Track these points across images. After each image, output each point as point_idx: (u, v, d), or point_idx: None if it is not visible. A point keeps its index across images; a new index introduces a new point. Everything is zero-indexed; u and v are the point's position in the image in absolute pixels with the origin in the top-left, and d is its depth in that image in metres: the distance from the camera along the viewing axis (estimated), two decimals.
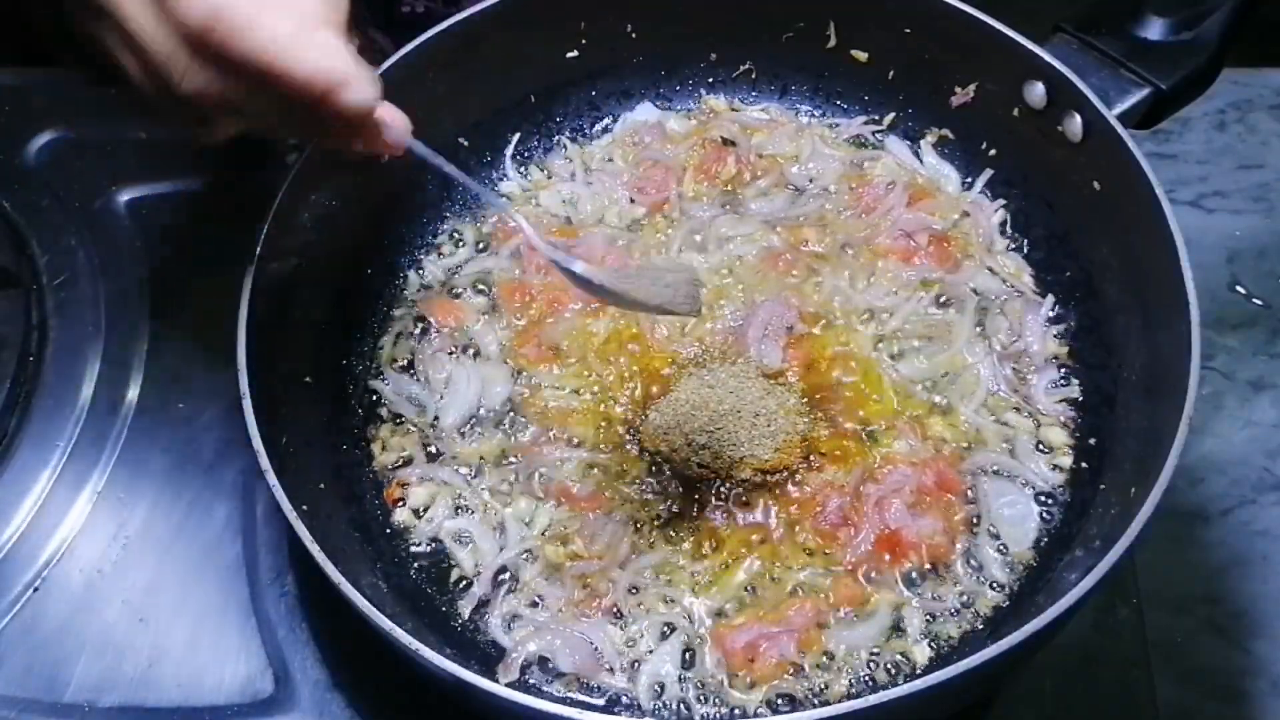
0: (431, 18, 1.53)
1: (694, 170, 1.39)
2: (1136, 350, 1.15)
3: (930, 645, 1.07)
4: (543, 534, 1.15)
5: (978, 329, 1.26)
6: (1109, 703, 1.10)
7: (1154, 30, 1.19)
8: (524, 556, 1.14)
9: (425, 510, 1.18)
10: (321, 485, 1.14)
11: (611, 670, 1.06)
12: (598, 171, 1.41)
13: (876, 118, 1.42)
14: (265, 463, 1.00)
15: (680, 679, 1.06)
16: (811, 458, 1.16)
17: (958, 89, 1.34)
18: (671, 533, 1.13)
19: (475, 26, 1.28)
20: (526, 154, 1.43)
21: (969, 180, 1.37)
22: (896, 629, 1.08)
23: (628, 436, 1.19)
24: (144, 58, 0.91)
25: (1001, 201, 1.34)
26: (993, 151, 1.35)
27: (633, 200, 1.38)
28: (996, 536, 1.13)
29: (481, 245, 1.36)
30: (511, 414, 1.23)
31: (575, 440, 1.20)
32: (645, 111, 1.46)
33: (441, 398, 1.24)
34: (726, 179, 1.39)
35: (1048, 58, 1.20)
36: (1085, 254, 1.25)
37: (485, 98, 1.37)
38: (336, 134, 0.96)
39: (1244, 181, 1.51)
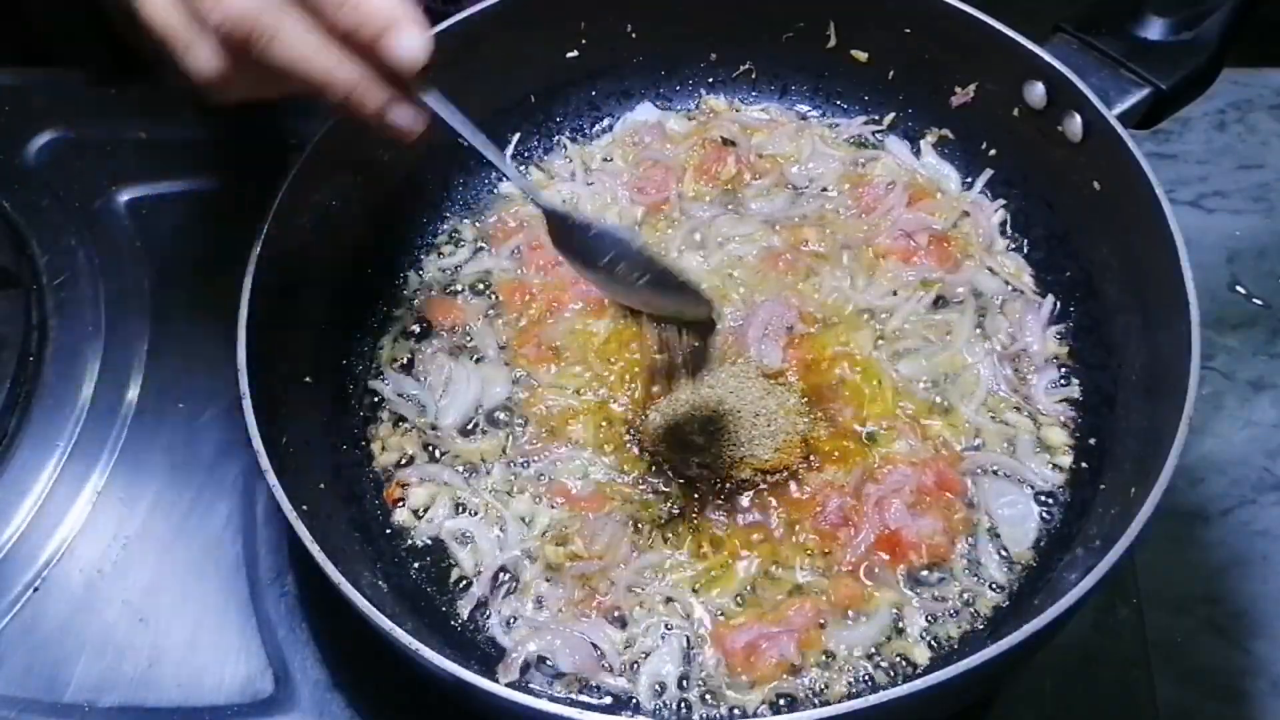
0: (431, 17, 1.53)
1: (694, 170, 1.39)
2: (1136, 350, 1.15)
3: (930, 645, 1.07)
4: (543, 534, 1.15)
5: (978, 329, 1.26)
6: (1109, 703, 1.10)
7: (1154, 30, 1.19)
8: (524, 556, 1.14)
9: (425, 510, 1.18)
10: (321, 485, 1.14)
11: (611, 670, 1.06)
12: (598, 171, 1.41)
13: (876, 118, 1.42)
14: (265, 463, 1.00)
15: (680, 679, 1.06)
16: (811, 458, 1.16)
17: (958, 89, 1.34)
18: (671, 533, 1.13)
19: (475, 26, 1.28)
20: (526, 154, 1.43)
21: (969, 180, 1.37)
22: (896, 629, 1.08)
23: (628, 436, 1.19)
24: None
25: (1001, 201, 1.34)
26: (993, 151, 1.35)
27: (633, 200, 1.38)
28: (996, 536, 1.13)
29: (481, 245, 1.36)
30: (511, 414, 1.23)
31: (575, 440, 1.20)
32: (645, 111, 1.46)
33: (441, 398, 1.24)
34: (726, 179, 1.39)
35: (1048, 58, 1.19)
36: (1085, 254, 1.25)
37: (485, 98, 1.37)
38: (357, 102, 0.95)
39: (1244, 181, 1.51)
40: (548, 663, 1.07)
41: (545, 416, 1.22)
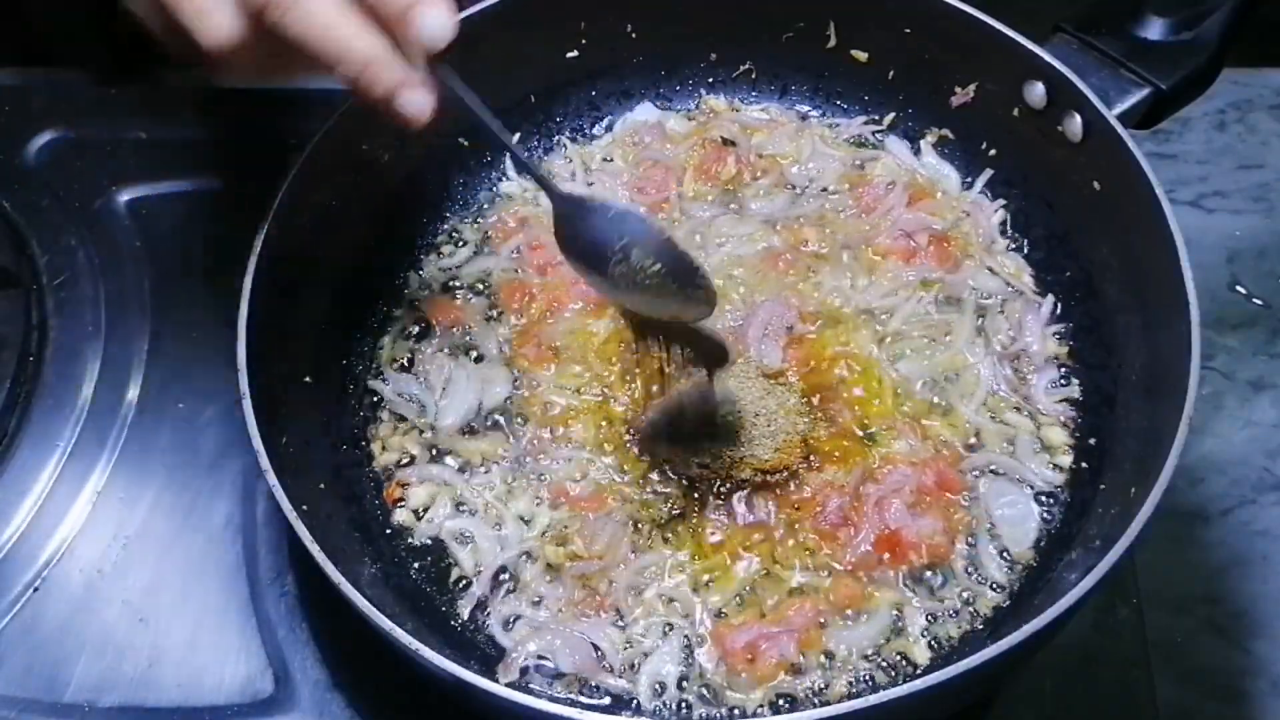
0: None
1: (694, 170, 1.39)
2: (1136, 350, 1.15)
3: (930, 645, 1.07)
4: (543, 534, 1.15)
5: (978, 329, 1.26)
6: (1109, 703, 1.10)
7: (1154, 30, 1.19)
8: (524, 556, 1.14)
9: (425, 510, 1.18)
10: (321, 485, 1.14)
11: (611, 670, 1.06)
12: (598, 171, 1.41)
13: (876, 118, 1.42)
14: (265, 463, 1.00)
15: (680, 679, 1.06)
16: (811, 458, 1.16)
17: (958, 89, 1.34)
18: (671, 533, 1.13)
19: (475, 26, 1.27)
20: (526, 154, 1.43)
21: (969, 180, 1.37)
22: (896, 629, 1.08)
23: (628, 436, 1.19)
24: None
25: (1001, 201, 1.34)
26: (993, 151, 1.35)
27: (633, 200, 1.37)
28: (996, 536, 1.13)
29: (481, 245, 1.36)
30: (511, 414, 1.23)
31: (575, 440, 1.20)
32: (645, 111, 1.45)
33: (441, 398, 1.24)
34: (726, 179, 1.39)
35: (1048, 58, 1.20)
36: (1085, 254, 1.25)
37: (485, 98, 1.36)
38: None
39: (1244, 181, 1.51)
40: (548, 663, 1.07)
41: (545, 416, 1.22)
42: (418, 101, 0.94)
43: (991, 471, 1.16)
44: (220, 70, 0.95)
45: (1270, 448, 1.30)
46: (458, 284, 1.33)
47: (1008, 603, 1.09)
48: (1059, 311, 1.26)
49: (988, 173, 1.36)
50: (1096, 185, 1.20)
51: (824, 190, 1.38)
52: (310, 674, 1.13)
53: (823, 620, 1.08)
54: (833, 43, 1.39)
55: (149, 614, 1.17)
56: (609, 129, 1.45)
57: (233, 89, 1.60)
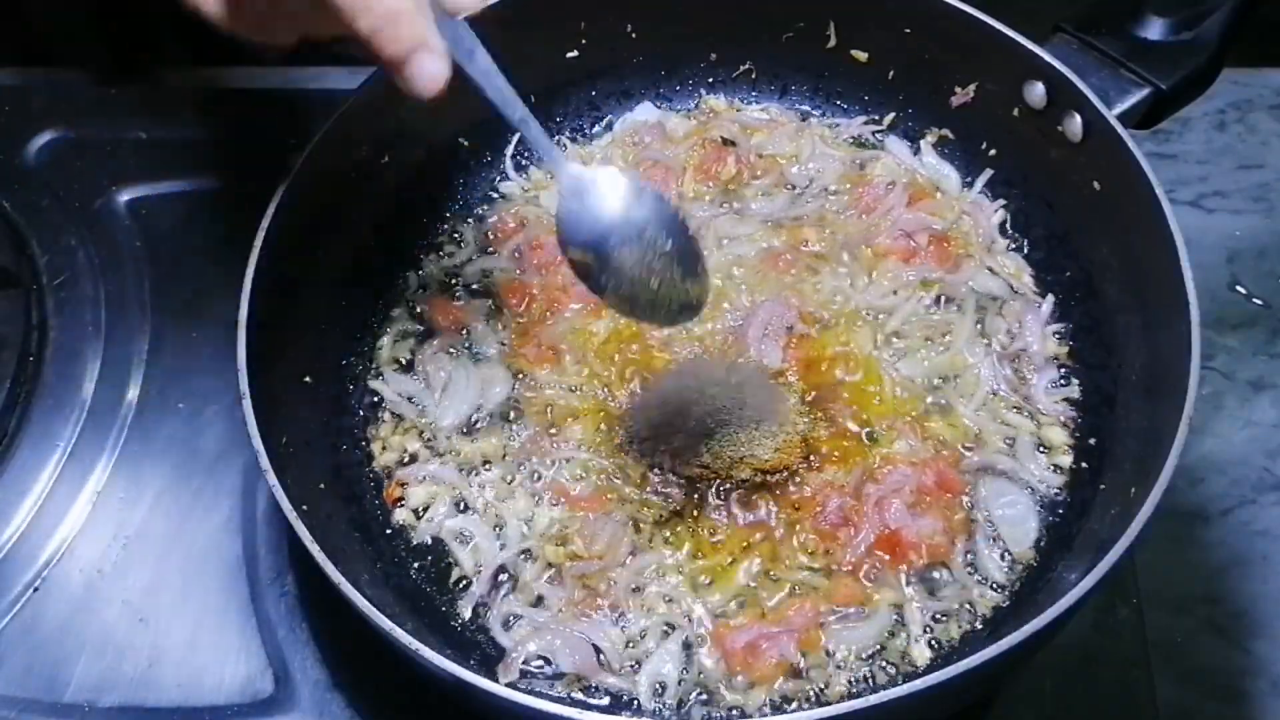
0: None
1: (694, 170, 1.39)
2: (1136, 350, 1.15)
3: (930, 645, 1.07)
4: (543, 534, 1.15)
5: (978, 329, 1.26)
6: (1109, 703, 1.10)
7: (1154, 30, 1.19)
8: (524, 556, 1.14)
9: (425, 510, 1.18)
10: (321, 485, 1.14)
11: (611, 670, 1.06)
12: None
13: (876, 118, 1.42)
14: (265, 463, 1.00)
15: (680, 679, 1.06)
16: (811, 458, 1.16)
17: (958, 89, 1.34)
18: (671, 533, 1.13)
19: (475, 27, 1.28)
20: (526, 154, 1.43)
21: (969, 180, 1.37)
22: (896, 629, 1.08)
23: (628, 436, 1.19)
24: None
25: (1001, 201, 1.34)
26: (993, 151, 1.35)
27: None
28: (996, 536, 1.13)
29: (481, 245, 1.36)
30: (511, 414, 1.23)
31: (575, 440, 1.20)
32: (645, 111, 1.45)
33: (441, 398, 1.24)
34: (726, 179, 1.39)
35: (1048, 58, 1.20)
36: (1085, 254, 1.25)
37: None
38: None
39: (1244, 181, 1.51)
40: (548, 663, 1.07)
41: (545, 416, 1.22)
42: (432, 69, 0.90)
43: (991, 471, 1.16)
44: (224, 22, 0.91)
45: (1270, 448, 1.30)
46: (458, 284, 1.33)
47: (1008, 603, 1.09)
48: (1059, 311, 1.26)
49: (988, 173, 1.36)
50: (1096, 185, 1.20)
51: (824, 190, 1.38)
52: (310, 674, 1.13)
53: (823, 620, 1.08)
54: (833, 43, 1.39)
55: (149, 614, 1.17)
56: (609, 129, 1.45)
57: (232, 89, 1.60)
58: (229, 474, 1.25)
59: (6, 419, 1.27)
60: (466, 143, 1.39)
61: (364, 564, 1.11)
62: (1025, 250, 1.32)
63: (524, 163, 1.43)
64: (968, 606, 1.09)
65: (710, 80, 1.46)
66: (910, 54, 1.35)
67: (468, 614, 1.11)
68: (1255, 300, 1.41)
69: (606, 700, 1.06)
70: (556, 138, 1.44)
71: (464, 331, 1.29)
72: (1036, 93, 1.22)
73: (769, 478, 1.14)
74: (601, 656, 1.07)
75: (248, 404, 1.03)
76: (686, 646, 1.08)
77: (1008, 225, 1.33)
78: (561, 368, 1.25)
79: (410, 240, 1.36)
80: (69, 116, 1.53)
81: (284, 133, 1.37)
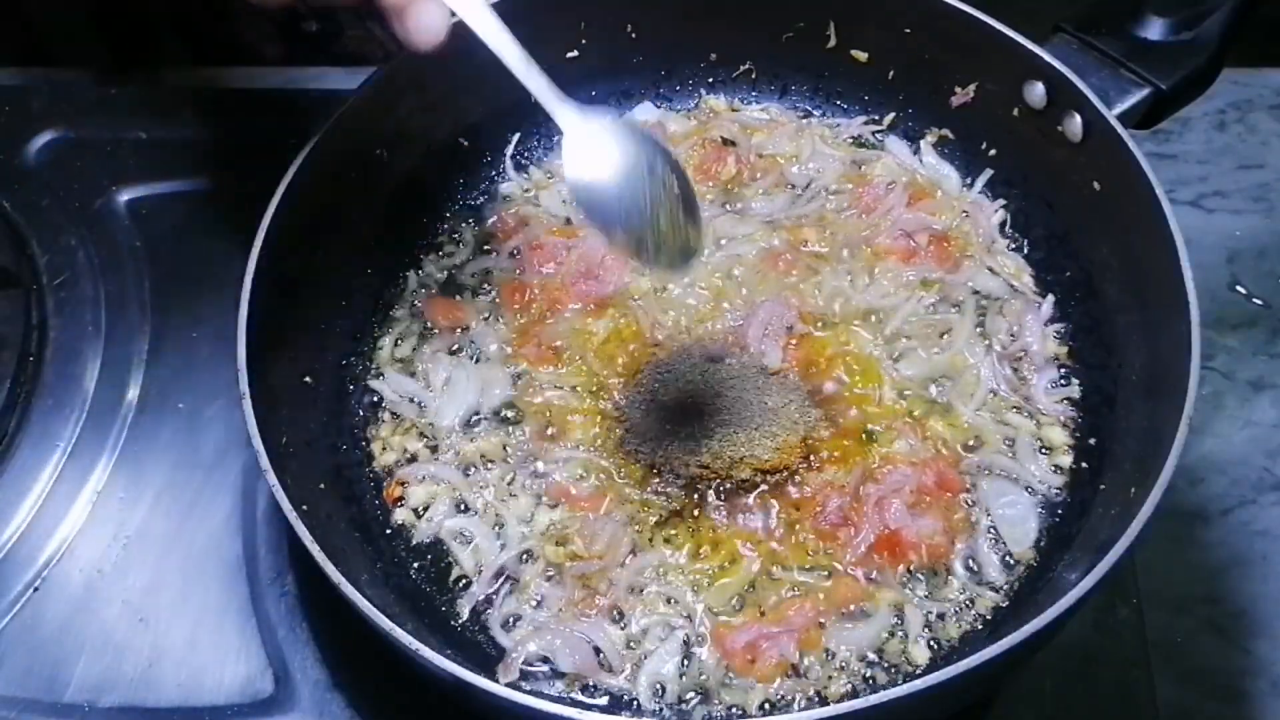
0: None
1: (694, 170, 1.39)
2: (1136, 350, 1.15)
3: (930, 645, 1.07)
4: (543, 534, 1.15)
5: (978, 329, 1.26)
6: (1109, 703, 1.10)
7: (1154, 30, 1.19)
8: (524, 556, 1.13)
9: (425, 510, 1.18)
10: (321, 485, 1.14)
11: (611, 670, 1.06)
12: None
13: (876, 118, 1.42)
14: (265, 463, 1.00)
15: (680, 679, 1.06)
16: (811, 458, 1.16)
17: (958, 89, 1.34)
18: (671, 533, 1.13)
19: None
20: (526, 154, 1.43)
21: (969, 180, 1.37)
22: (896, 629, 1.08)
23: (628, 436, 1.19)
24: None
25: (1001, 201, 1.34)
26: (993, 151, 1.35)
27: None
28: (996, 537, 1.13)
29: (481, 245, 1.36)
30: (511, 414, 1.23)
31: (575, 440, 1.19)
32: (645, 111, 1.45)
33: (441, 398, 1.24)
34: (726, 179, 1.39)
35: (1048, 58, 1.20)
36: (1085, 254, 1.25)
37: (485, 98, 1.37)
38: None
39: (1244, 181, 1.51)
40: (548, 663, 1.07)
41: (545, 416, 1.22)
42: (430, 20, 0.89)
43: (991, 472, 1.16)
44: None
45: (1270, 448, 1.30)
46: (458, 284, 1.33)
47: (1008, 603, 1.09)
48: (1059, 312, 1.26)
49: (988, 173, 1.36)
50: (1096, 185, 1.20)
51: (824, 190, 1.38)
52: (310, 674, 1.13)
53: (823, 620, 1.08)
54: (833, 43, 1.39)
55: (149, 614, 1.17)
56: None
57: (232, 89, 1.60)
58: (229, 474, 1.25)
59: (6, 419, 1.27)
60: (466, 143, 1.39)
61: (364, 564, 1.11)
62: (1025, 250, 1.32)
63: (524, 163, 1.43)
64: (967, 606, 1.09)
65: (710, 80, 1.46)
66: (910, 54, 1.35)
67: (467, 614, 1.11)
68: (1255, 300, 1.41)
69: (606, 700, 1.06)
70: (557, 137, 1.44)
71: (464, 331, 1.29)
72: (1036, 93, 1.22)
73: (769, 478, 1.14)
74: (601, 656, 1.07)
75: (248, 404, 1.03)
76: (686, 646, 1.08)
77: (1008, 225, 1.33)
78: (561, 368, 1.25)
79: (410, 240, 1.36)
80: (69, 116, 1.53)
81: (284, 133, 1.37)
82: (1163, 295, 1.07)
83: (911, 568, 1.11)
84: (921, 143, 1.40)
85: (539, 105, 1.41)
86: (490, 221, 1.38)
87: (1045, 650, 1.02)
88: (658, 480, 1.16)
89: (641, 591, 1.10)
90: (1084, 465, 1.16)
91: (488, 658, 1.08)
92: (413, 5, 0.89)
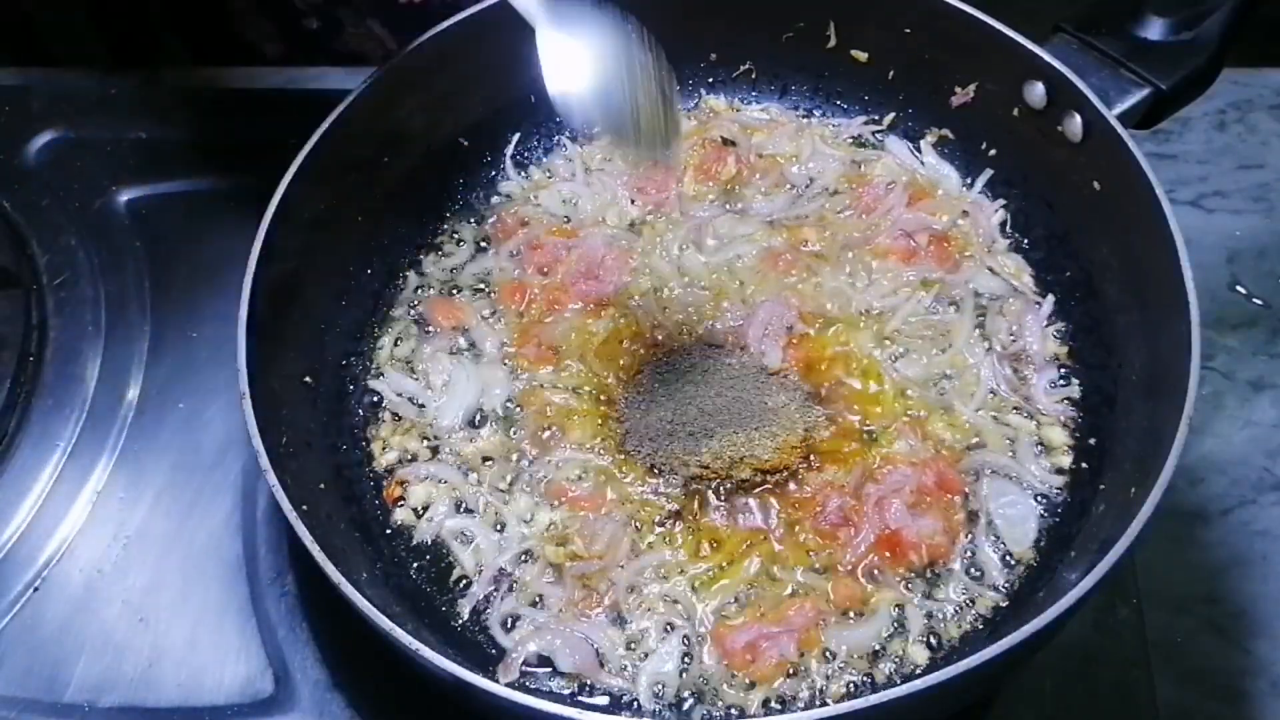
0: (430, 8, 1.53)
1: (694, 170, 1.39)
2: (1136, 350, 1.15)
3: (930, 645, 1.07)
4: (543, 534, 1.15)
5: (978, 329, 1.26)
6: (1109, 703, 1.10)
7: (1154, 30, 1.19)
8: (524, 556, 1.13)
9: (425, 510, 1.18)
10: (321, 485, 1.14)
11: (611, 670, 1.06)
12: (598, 171, 1.41)
13: (876, 118, 1.42)
14: (265, 463, 1.00)
15: (680, 679, 1.06)
16: (811, 458, 1.16)
17: (958, 89, 1.34)
18: (671, 533, 1.13)
19: (475, 26, 1.28)
20: (526, 154, 1.43)
21: (969, 180, 1.37)
22: (896, 629, 1.08)
23: (628, 436, 1.19)
24: None
25: (1001, 201, 1.34)
26: (993, 151, 1.35)
27: (633, 200, 1.38)
28: (996, 537, 1.13)
29: (481, 245, 1.36)
30: (511, 414, 1.23)
31: (575, 440, 1.19)
32: None
33: (441, 398, 1.24)
34: (726, 179, 1.39)
35: (1048, 58, 1.20)
36: (1085, 254, 1.25)
37: (485, 98, 1.37)
38: None
39: (1244, 181, 1.51)
40: (548, 663, 1.07)
41: (545, 416, 1.22)
42: None
43: (991, 472, 1.16)
44: None
45: (1270, 448, 1.30)
46: (458, 284, 1.33)
47: (1008, 603, 1.09)
48: (1059, 311, 1.26)
49: (988, 173, 1.36)
50: (1096, 185, 1.20)
51: (824, 190, 1.38)
52: (310, 674, 1.13)
53: (823, 620, 1.08)
54: (833, 43, 1.39)
55: (149, 614, 1.17)
56: None
57: (232, 89, 1.60)
58: (229, 474, 1.25)
59: (6, 419, 1.27)
60: (466, 143, 1.39)
61: (364, 564, 1.11)
62: (1025, 250, 1.32)
63: (524, 162, 1.43)
64: (967, 606, 1.09)
65: (710, 80, 1.46)
66: (910, 54, 1.35)
67: (468, 614, 1.11)
68: (1255, 300, 1.41)
69: (606, 700, 1.06)
70: (557, 137, 1.44)
71: (464, 331, 1.29)
72: (1036, 93, 1.22)
73: (769, 478, 1.14)
74: (601, 656, 1.07)
75: (248, 404, 1.03)
76: (686, 646, 1.08)
77: (1008, 225, 1.33)
78: (561, 368, 1.25)
79: (410, 240, 1.36)
80: (69, 116, 1.53)
81: (284, 133, 1.37)
82: (1163, 295, 1.07)
83: (911, 568, 1.10)
84: (921, 143, 1.40)
85: (540, 105, 1.42)
86: (490, 221, 1.38)
87: (1045, 650, 1.02)
88: (658, 480, 1.16)
89: (641, 591, 1.10)
90: (1084, 465, 1.16)
91: (488, 658, 1.08)
92: None
